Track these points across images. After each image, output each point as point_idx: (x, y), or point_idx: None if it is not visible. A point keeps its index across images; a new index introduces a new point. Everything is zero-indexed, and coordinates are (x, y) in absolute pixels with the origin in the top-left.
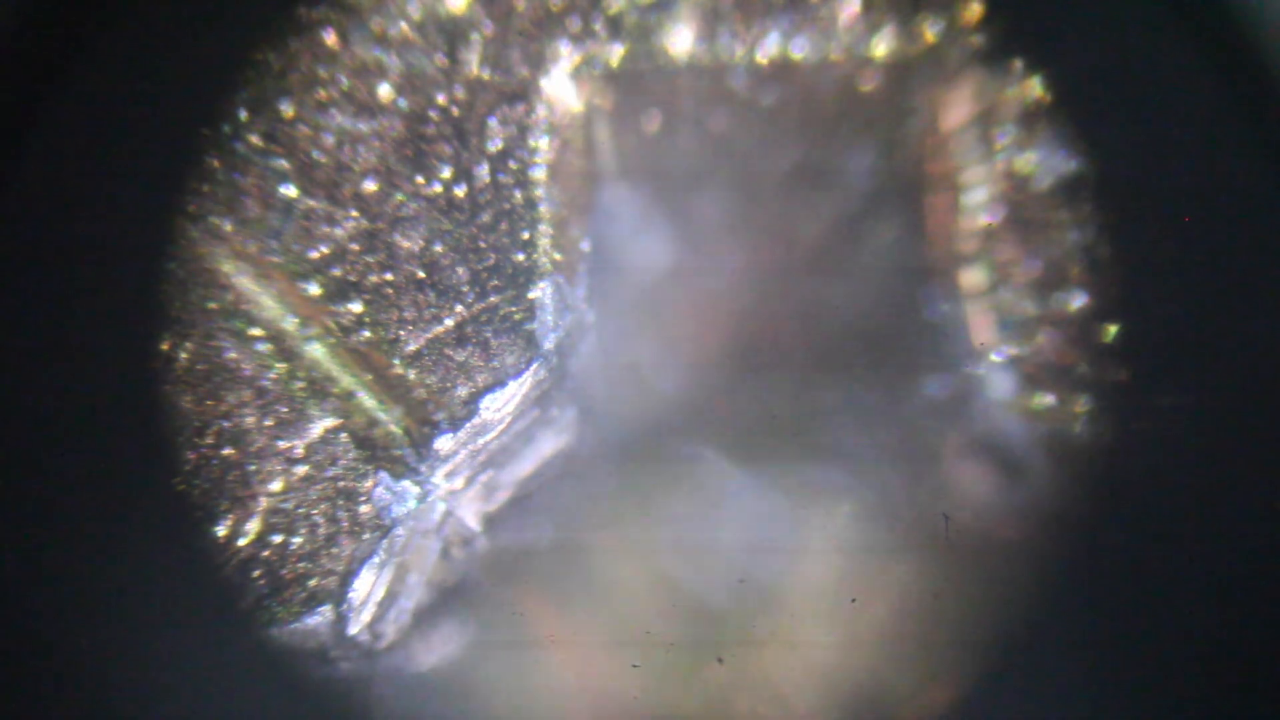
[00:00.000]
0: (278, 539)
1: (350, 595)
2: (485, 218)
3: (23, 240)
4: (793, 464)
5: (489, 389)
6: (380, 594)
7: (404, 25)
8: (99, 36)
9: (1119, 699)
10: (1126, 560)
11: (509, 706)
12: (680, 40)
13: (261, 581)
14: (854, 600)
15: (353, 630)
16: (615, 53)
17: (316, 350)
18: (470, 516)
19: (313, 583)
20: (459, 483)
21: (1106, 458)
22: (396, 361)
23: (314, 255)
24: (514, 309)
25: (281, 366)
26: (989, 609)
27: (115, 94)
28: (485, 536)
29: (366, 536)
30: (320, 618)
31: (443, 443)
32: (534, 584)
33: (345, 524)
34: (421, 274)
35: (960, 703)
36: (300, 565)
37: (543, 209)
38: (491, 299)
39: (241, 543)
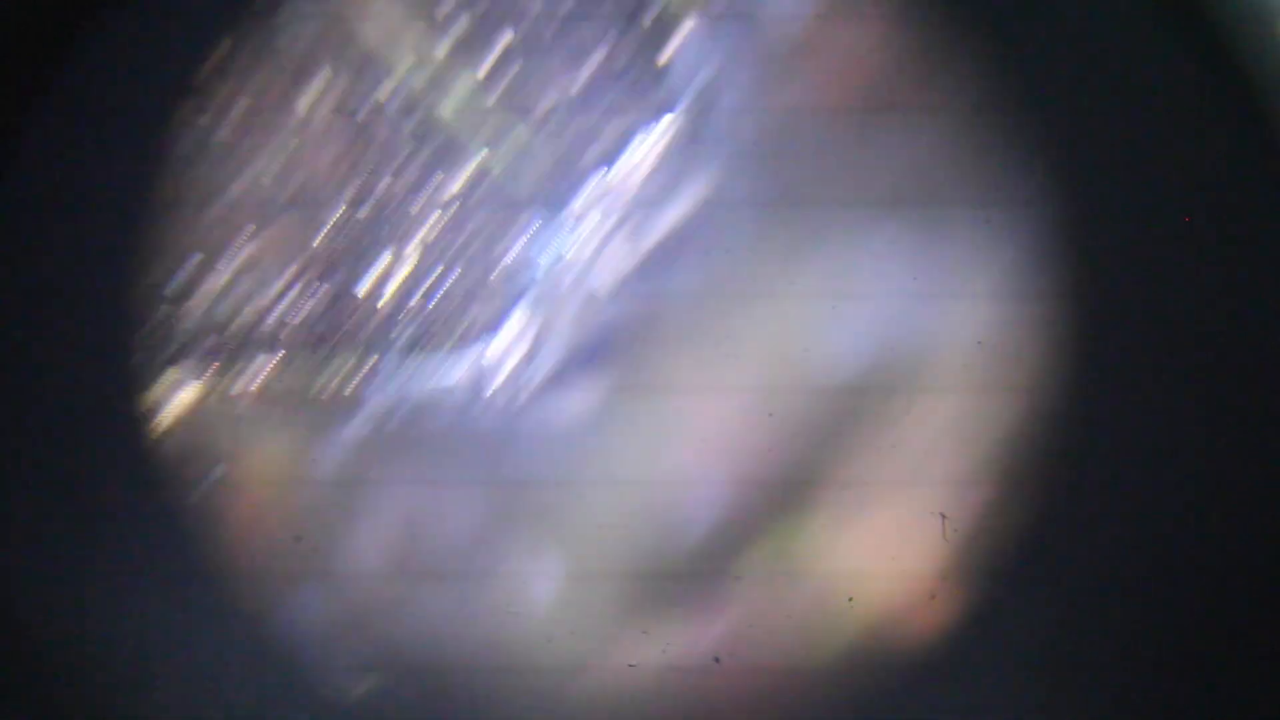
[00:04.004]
0: (419, 292)
1: (487, 352)
2: None
3: (18, 239)
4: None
5: (630, 136)
6: (517, 352)
7: None
8: (87, 37)
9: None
10: (1108, 555)
11: (642, 460)
12: None
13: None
14: (850, 600)
15: (489, 388)
16: None
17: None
18: (608, 273)
19: (451, 339)
20: (597, 238)
21: (1087, 455)
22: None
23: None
24: (655, 53)
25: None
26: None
27: (105, 93)
28: (622, 294)
29: (504, 292)
30: (458, 374)
31: (581, 196)
32: (670, 339)
33: (484, 279)
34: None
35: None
36: (438, 321)
37: None
38: (633, 40)
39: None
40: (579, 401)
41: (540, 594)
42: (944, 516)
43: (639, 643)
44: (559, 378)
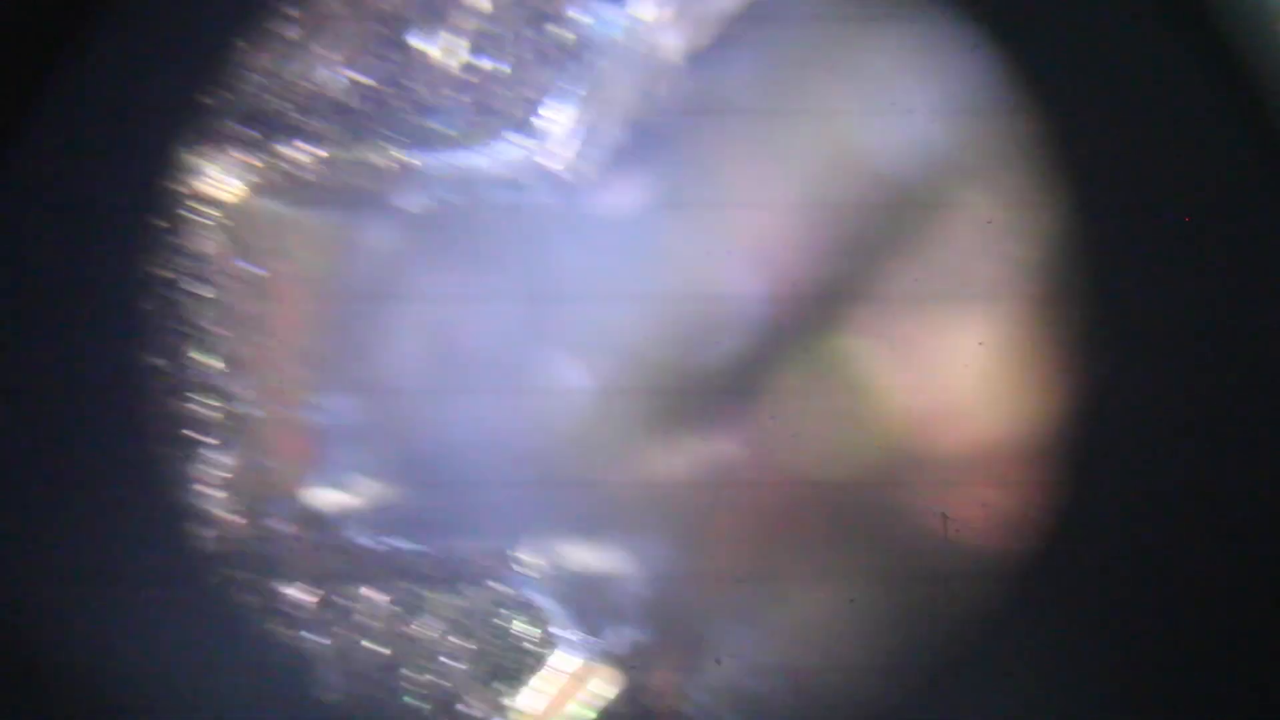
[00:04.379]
0: (476, 60)
1: (544, 124)
2: None
3: (18, 238)
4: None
5: None
6: (576, 126)
7: None
8: (88, 34)
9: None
10: (1106, 559)
11: (698, 259)
12: None
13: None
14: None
15: (546, 162)
16: None
17: None
18: (675, 50)
19: (507, 109)
20: (665, 12)
21: (1087, 457)
22: None
23: None
24: None
25: None
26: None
27: (105, 91)
28: (689, 75)
29: (564, 64)
30: (513, 147)
31: None
32: (732, 140)
33: (543, 48)
34: None
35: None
36: (496, 89)
37: None
38: None
39: None
40: (623, 211)
41: (572, 409)
42: (945, 516)
43: (665, 457)
44: (618, 162)
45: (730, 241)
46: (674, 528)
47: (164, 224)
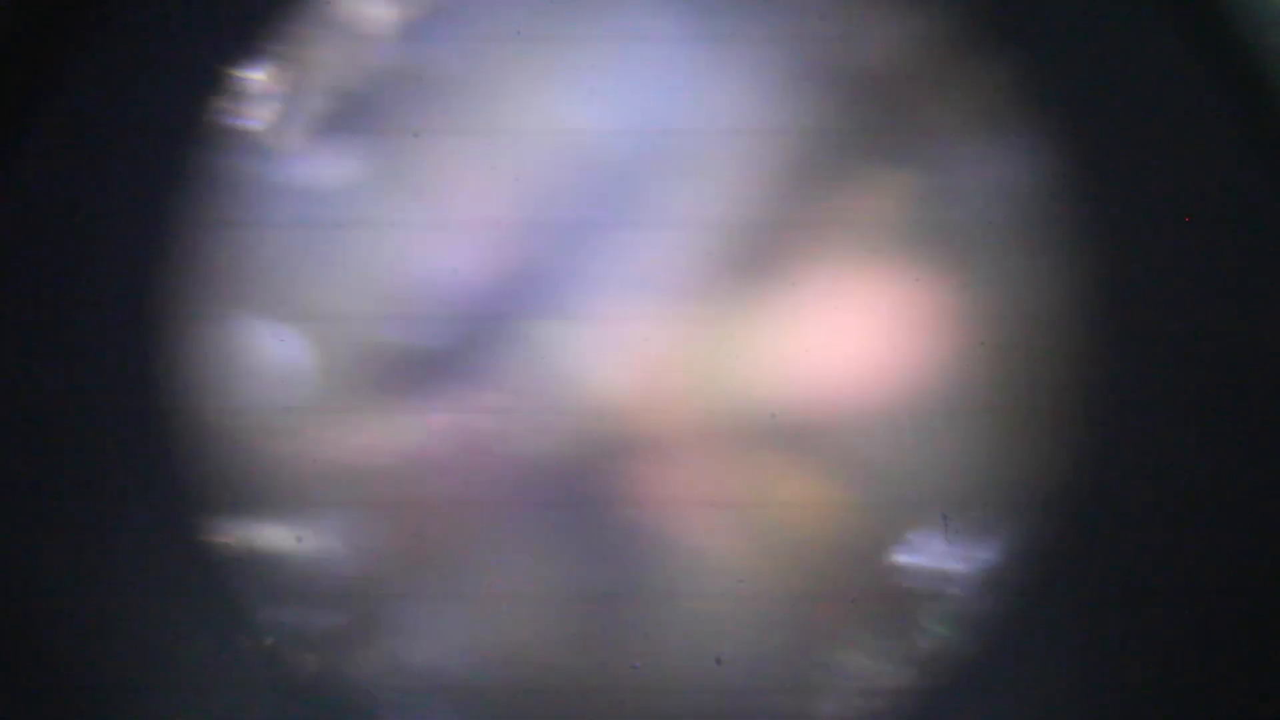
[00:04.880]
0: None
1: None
2: None
3: (20, 239)
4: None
5: None
6: (277, 90)
7: None
8: (92, 34)
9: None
10: (1114, 559)
11: (387, 245)
12: None
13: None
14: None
15: (239, 119)
16: None
17: None
18: (385, 19)
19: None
20: None
21: (1095, 459)
22: None
23: None
24: None
25: None
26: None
27: (109, 93)
28: (399, 45)
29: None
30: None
31: None
32: (421, 99)
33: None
34: None
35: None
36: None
37: None
38: None
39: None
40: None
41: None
42: (946, 518)
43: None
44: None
45: (449, 218)
46: (383, 506)
47: (167, 223)
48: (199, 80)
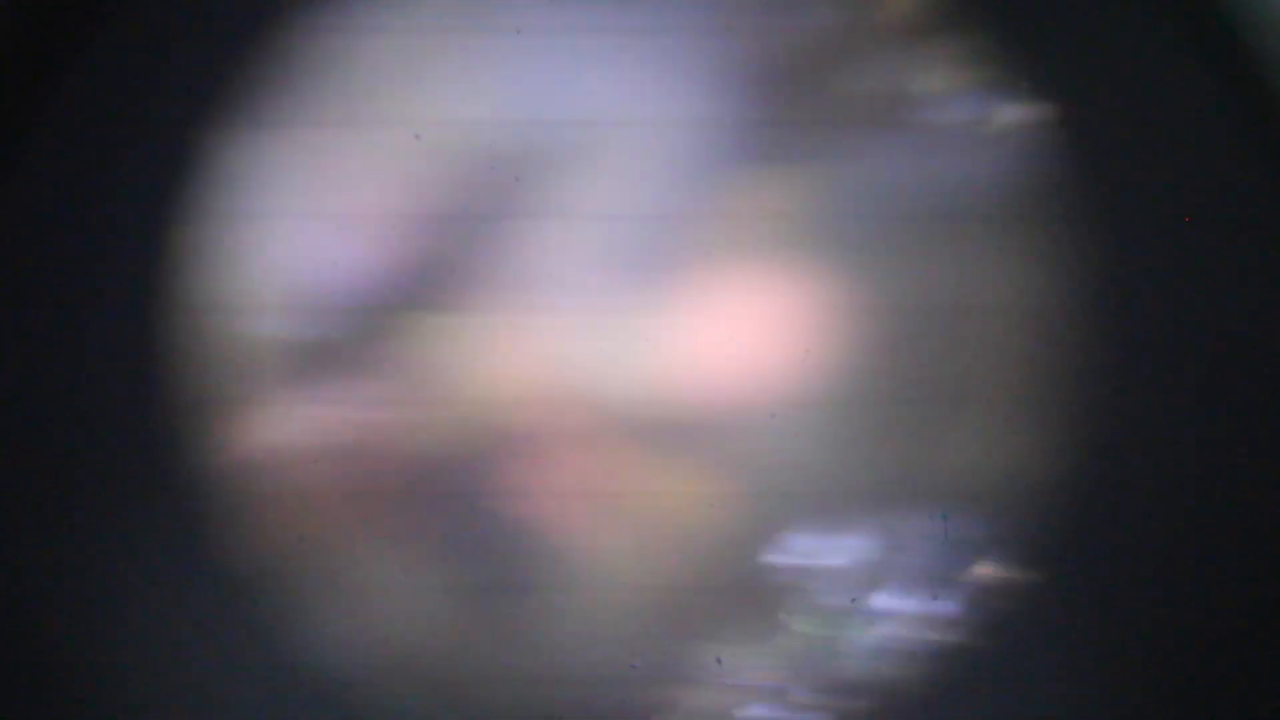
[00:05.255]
0: None
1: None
2: None
3: (22, 240)
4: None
5: None
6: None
7: None
8: (96, 35)
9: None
10: (1115, 555)
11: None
12: None
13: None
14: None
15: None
16: None
17: None
18: None
19: None
20: None
21: (1095, 458)
22: None
23: None
24: None
25: None
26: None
27: (112, 93)
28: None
29: None
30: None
31: None
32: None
33: None
34: None
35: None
36: None
37: None
38: None
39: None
40: None
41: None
42: (946, 517)
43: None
44: None
45: (339, 210)
46: (271, 497)
47: (171, 224)
48: (197, 82)
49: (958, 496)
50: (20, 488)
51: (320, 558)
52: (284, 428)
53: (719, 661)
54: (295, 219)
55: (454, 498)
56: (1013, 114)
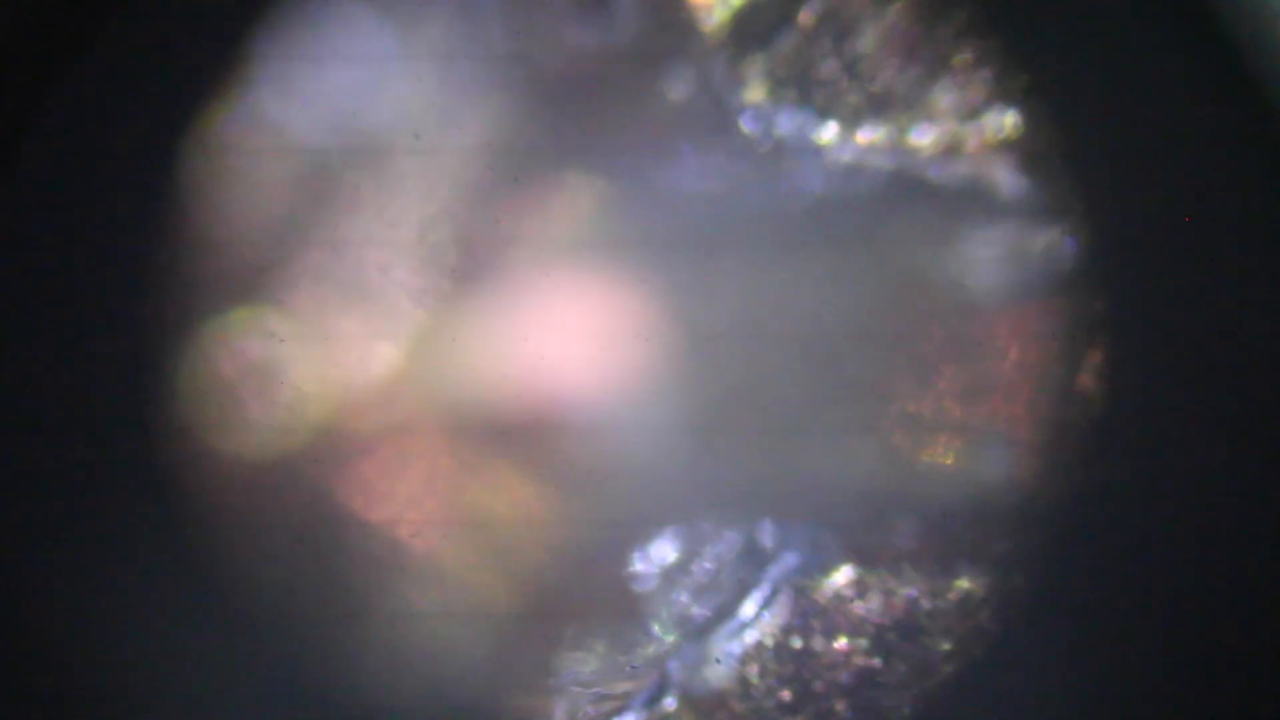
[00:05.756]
0: None
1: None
2: None
3: (18, 241)
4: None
5: None
6: None
7: None
8: (92, 37)
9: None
10: (1108, 560)
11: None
12: None
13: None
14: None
15: None
16: None
17: None
18: None
19: None
20: None
21: (1093, 458)
22: None
23: None
24: None
25: None
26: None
27: (108, 95)
28: None
29: None
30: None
31: None
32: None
33: None
34: None
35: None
36: None
37: None
38: None
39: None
40: None
41: None
42: (945, 516)
43: None
44: None
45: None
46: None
47: (168, 223)
48: (192, 86)
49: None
50: (19, 487)
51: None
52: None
53: (717, 661)
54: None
55: (282, 515)
56: (1013, 122)
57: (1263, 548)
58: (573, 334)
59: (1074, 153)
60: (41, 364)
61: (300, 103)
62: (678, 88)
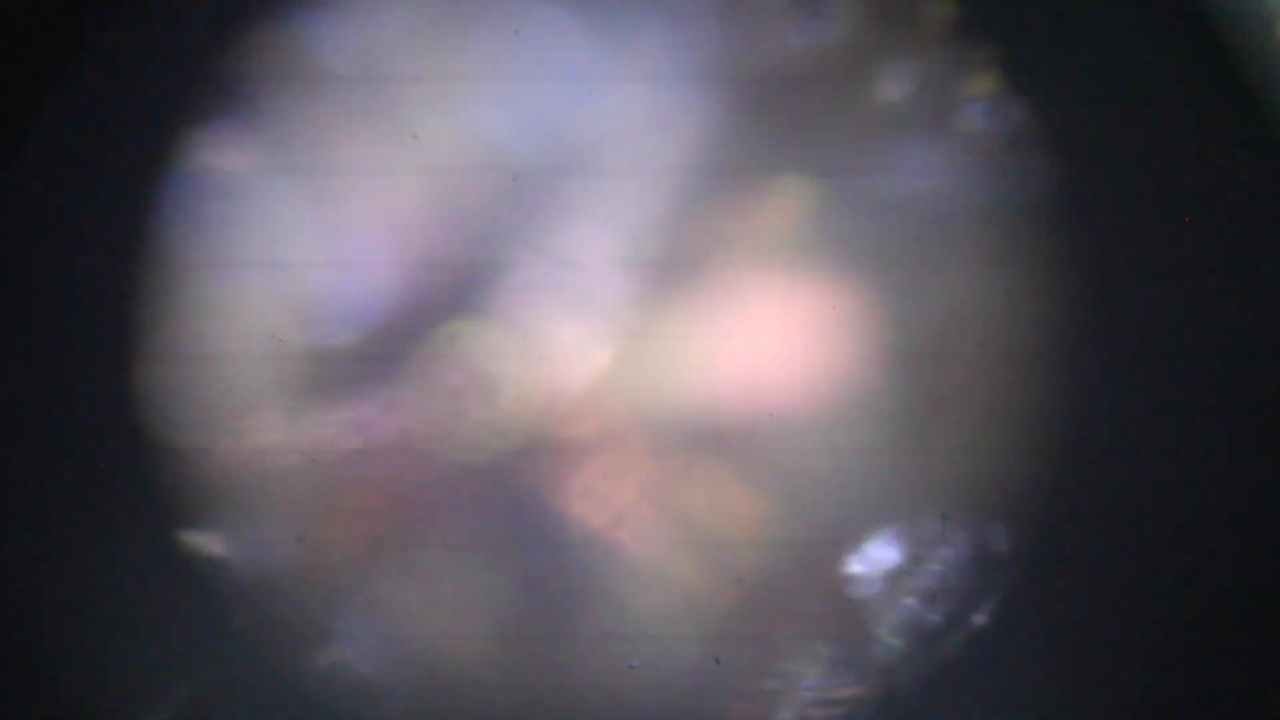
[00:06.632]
0: None
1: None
2: None
3: (13, 241)
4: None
5: None
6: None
7: None
8: (88, 38)
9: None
10: (1112, 560)
11: (299, 242)
12: None
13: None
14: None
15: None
16: None
17: None
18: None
19: None
20: None
21: (1086, 457)
22: None
23: None
24: None
25: None
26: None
27: (103, 96)
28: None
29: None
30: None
31: None
32: (331, 114)
33: None
34: None
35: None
36: None
37: None
38: None
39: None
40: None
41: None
42: (945, 517)
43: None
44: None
45: (354, 210)
46: (297, 500)
47: (163, 225)
48: (186, 88)
49: (958, 501)
50: (17, 488)
51: (363, 568)
52: (328, 437)
53: (717, 662)
54: (334, 224)
55: (495, 507)
56: (1012, 120)
57: (1262, 547)
58: (790, 337)
59: (1072, 154)
60: (41, 361)
61: (512, 118)
62: (897, 82)
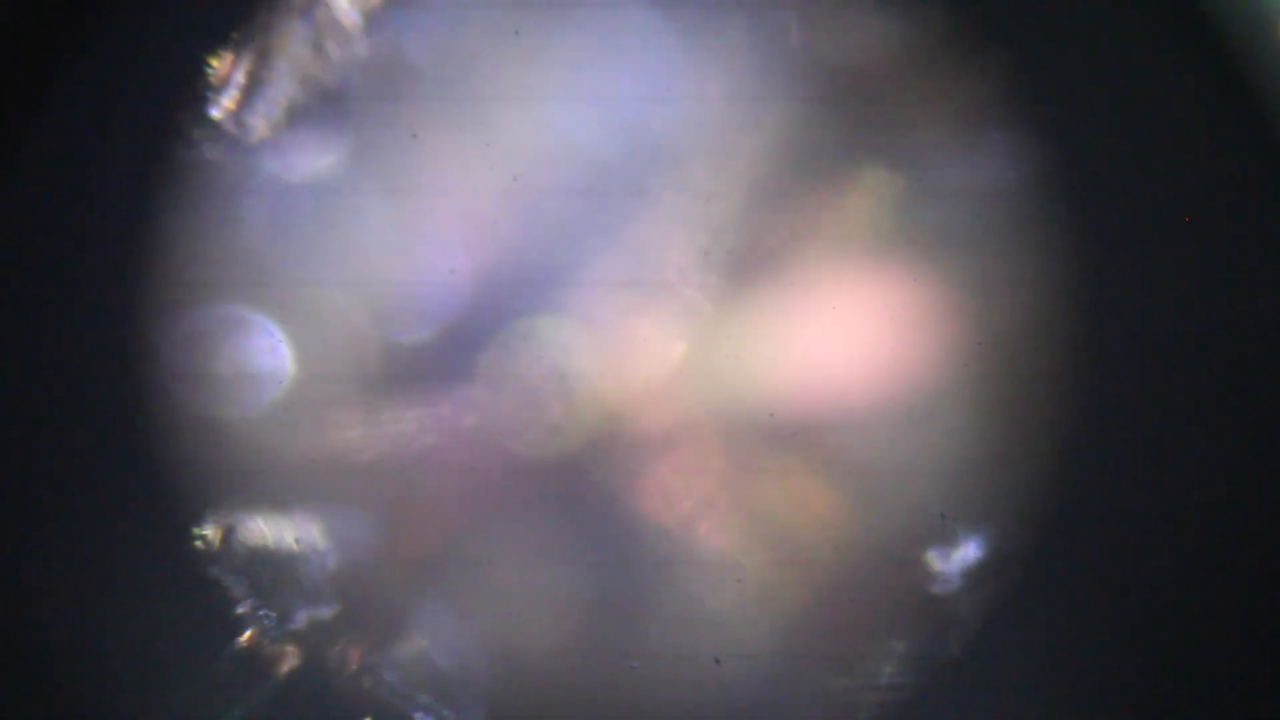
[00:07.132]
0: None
1: (206, 70)
2: None
3: (12, 241)
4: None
5: None
6: (243, 79)
7: None
8: (86, 37)
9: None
10: (1112, 560)
11: (378, 243)
12: None
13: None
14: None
15: (215, 112)
16: None
17: None
18: (348, 6)
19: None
20: None
21: (1086, 457)
22: None
23: None
24: None
25: None
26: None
27: (103, 94)
28: (365, 37)
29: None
30: (178, 96)
31: None
32: (413, 97)
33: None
34: None
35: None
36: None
37: None
38: None
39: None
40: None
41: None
42: (944, 517)
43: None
44: (293, 122)
45: (429, 223)
46: (374, 505)
47: (162, 223)
48: (187, 75)
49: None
50: (16, 488)
51: (430, 564)
52: (398, 434)
53: (717, 662)
54: (404, 225)
55: (565, 503)
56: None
57: (1262, 547)
58: (866, 332)
59: (1072, 153)
60: (40, 361)
61: (589, 110)
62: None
